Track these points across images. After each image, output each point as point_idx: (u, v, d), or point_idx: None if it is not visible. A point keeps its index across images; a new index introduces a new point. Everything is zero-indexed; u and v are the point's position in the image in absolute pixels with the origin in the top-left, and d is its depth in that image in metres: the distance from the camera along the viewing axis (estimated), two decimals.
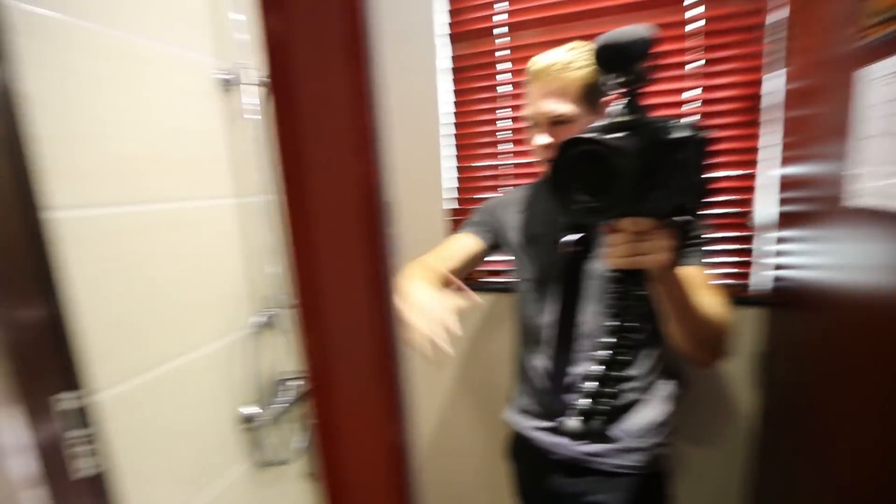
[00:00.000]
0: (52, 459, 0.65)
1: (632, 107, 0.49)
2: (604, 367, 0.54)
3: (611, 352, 0.54)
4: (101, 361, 0.71)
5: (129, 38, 0.77)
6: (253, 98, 1.02)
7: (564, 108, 0.76)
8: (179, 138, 0.86)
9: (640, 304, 0.54)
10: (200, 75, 0.92)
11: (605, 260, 0.54)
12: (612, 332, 0.53)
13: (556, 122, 0.77)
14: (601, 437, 0.81)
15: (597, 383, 0.54)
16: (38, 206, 0.64)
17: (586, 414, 0.55)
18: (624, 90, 0.50)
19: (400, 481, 0.34)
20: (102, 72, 0.73)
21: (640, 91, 0.49)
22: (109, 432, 0.72)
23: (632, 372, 0.82)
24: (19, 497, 0.72)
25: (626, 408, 0.82)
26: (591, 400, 0.54)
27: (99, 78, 0.73)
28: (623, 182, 0.43)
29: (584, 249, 0.57)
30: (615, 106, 0.50)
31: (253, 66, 1.01)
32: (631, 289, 0.54)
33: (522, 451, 0.94)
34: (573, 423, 0.55)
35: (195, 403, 0.88)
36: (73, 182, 0.68)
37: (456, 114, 1.20)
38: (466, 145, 1.21)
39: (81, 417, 0.67)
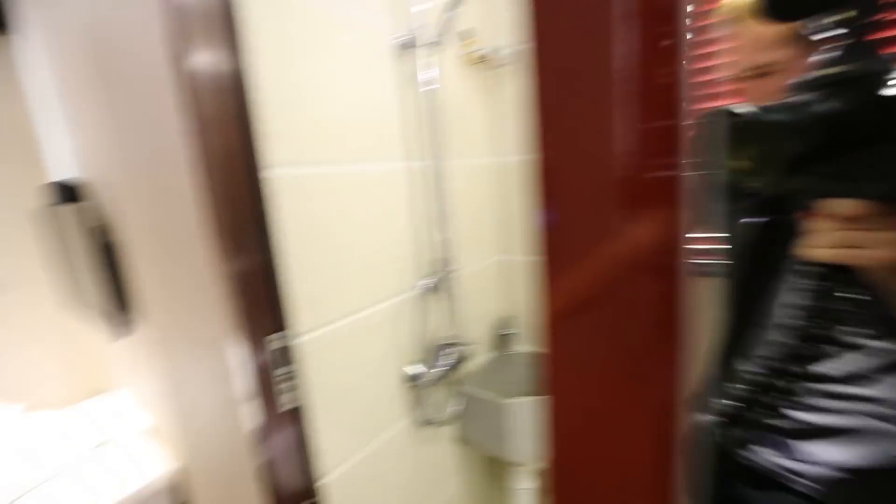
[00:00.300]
0: (265, 391, 0.75)
1: (850, 52, 0.37)
2: (770, 373, 0.45)
3: (786, 359, 0.44)
4: (301, 309, 0.78)
5: (319, 3, 0.82)
6: (426, 61, 1.02)
7: (764, 55, 0.58)
8: (362, 101, 0.90)
9: (846, 310, 0.42)
10: (379, 39, 0.94)
11: (805, 249, 0.42)
12: (796, 336, 0.44)
13: (759, 74, 0.60)
14: (742, 445, 0.65)
15: (755, 389, 0.46)
16: (259, 165, 0.72)
17: (729, 418, 0.48)
18: (839, 31, 0.37)
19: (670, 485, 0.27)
20: (302, 37, 0.79)
21: (865, 29, 0.36)
22: (305, 374, 0.80)
23: (866, 392, 0.63)
24: (240, 411, 0.86)
25: (846, 432, 0.64)
26: (741, 405, 0.47)
27: (298, 43, 0.79)
28: (774, 162, 0.36)
29: (776, 233, 0.47)
30: (824, 53, 0.37)
31: (427, 28, 1.01)
32: (836, 288, 0.43)
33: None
34: (708, 420, 0.48)
35: (370, 357, 0.94)
36: (281, 143, 0.75)
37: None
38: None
39: (286, 357, 0.76)
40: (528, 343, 1.40)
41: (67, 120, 1.81)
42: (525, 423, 1.12)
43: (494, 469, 1.39)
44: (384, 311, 0.96)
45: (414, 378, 1.05)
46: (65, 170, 1.95)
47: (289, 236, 0.76)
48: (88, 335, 2.39)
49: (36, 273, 2.32)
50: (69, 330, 2.43)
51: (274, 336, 0.73)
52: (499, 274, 1.38)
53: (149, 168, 0.92)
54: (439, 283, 1.08)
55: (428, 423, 1.10)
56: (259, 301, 0.72)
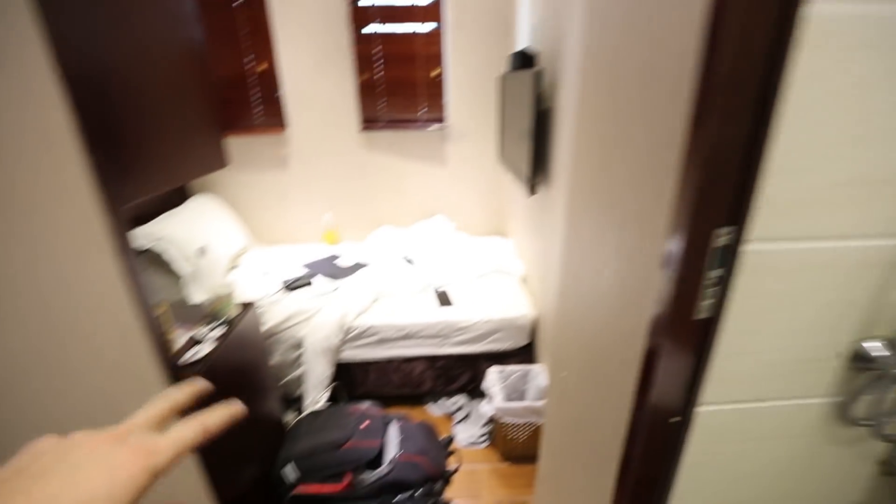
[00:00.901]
0: (685, 286, 0.65)
1: None
2: None
3: None
4: (767, 209, 0.61)
5: None
6: None
7: None
8: None
9: None
10: None
11: None
12: None
13: None
14: None
15: None
16: None
17: None
18: None
19: None
20: None
21: None
22: (736, 287, 0.66)
23: None
24: (641, 294, 0.83)
25: None
26: None
27: None
28: None
29: None
30: None
31: None
32: None
33: None
34: None
35: (819, 303, 0.69)
36: None
37: None
38: None
39: (726, 259, 0.63)
40: None
41: None
42: None
43: None
44: (876, 250, 0.65)
45: (865, 359, 0.73)
46: (526, 40, 2.25)
47: (795, 109, 0.56)
48: (505, 186, 2.99)
49: (484, 127, 2.99)
50: (493, 178, 3.11)
51: (724, 230, 0.60)
52: None
53: (630, 25, 0.87)
54: None
55: (854, 422, 0.79)
56: (720, 183, 0.59)
